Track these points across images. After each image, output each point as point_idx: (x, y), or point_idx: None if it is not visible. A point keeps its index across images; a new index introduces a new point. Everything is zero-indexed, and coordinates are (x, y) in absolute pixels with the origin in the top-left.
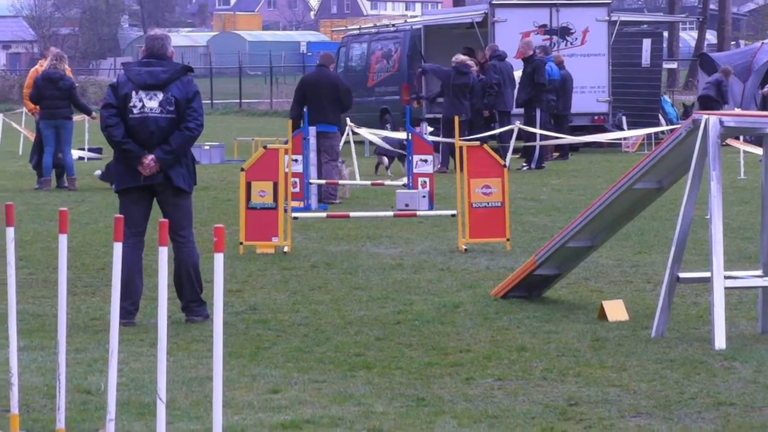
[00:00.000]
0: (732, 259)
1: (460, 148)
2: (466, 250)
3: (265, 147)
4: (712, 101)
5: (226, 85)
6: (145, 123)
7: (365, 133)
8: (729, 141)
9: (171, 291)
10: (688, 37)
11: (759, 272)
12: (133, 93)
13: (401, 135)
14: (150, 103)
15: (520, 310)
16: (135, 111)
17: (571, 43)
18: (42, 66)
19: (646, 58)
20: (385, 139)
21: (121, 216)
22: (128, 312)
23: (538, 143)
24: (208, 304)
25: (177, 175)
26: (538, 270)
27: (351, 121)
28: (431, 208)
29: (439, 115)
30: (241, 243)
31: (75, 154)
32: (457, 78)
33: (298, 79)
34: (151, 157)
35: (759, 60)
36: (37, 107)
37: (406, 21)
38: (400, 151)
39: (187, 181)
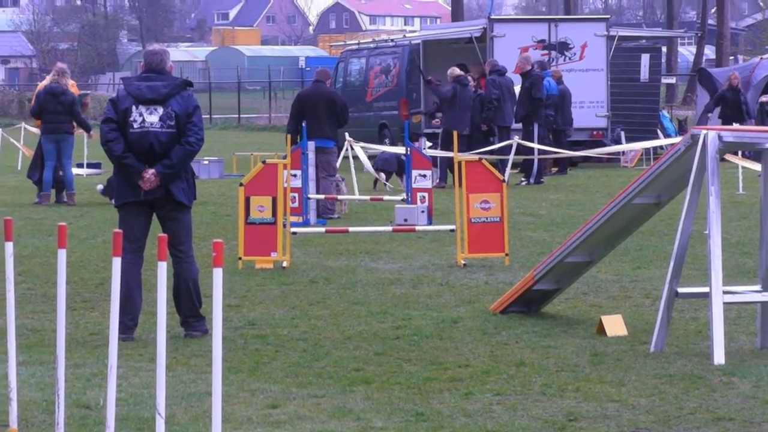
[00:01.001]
0: (730, 274)
1: (459, 162)
2: (464, 265)
3: (263, 162)
4: (728, 119)
5: (225, 100)
6: (146, 137)
7: (359, 150)
8: (727, 156)
9: (170, 306)
10: (686, 52)
11: (758, 287)
12: (134, 108)
13: (399, 150)
14: (150, 117)
15: (519, 325)
16: (135, 126)
17: (570, 58)
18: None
19: (644, 73)
20: (382, 154)
21: (120, 231)
22: (127, 327)
23: (536, 157)
24: (207, 319)
25: (178, 190)
26: (536, 285)
27: (350, 136)
28: (430, 223)
29: (438, 130)
30: (240, 258)
31: (74, 170)
32: (463, 90)
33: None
34: (151, 171)
35: (757, 75)
36: (40, 121)
37: (404, 36)
38: (388, 171)
39: (188, 195)
